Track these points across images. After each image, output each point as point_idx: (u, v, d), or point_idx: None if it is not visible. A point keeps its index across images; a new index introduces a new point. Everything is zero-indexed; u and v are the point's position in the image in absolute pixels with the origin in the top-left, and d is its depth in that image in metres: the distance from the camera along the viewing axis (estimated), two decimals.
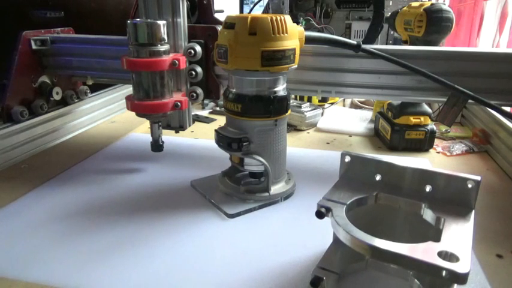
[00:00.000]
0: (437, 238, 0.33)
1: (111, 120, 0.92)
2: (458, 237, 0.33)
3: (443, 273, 0.29)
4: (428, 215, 0.37)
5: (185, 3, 0.60)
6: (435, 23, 0.67)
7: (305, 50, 0.57)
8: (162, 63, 0.56)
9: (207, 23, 0.64)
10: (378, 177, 0.41)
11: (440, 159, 0.71)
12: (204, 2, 0.66)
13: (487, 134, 0.76)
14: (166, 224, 0.49)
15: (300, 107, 0.87)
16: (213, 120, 0.92)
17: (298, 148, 0.75)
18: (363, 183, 0.41)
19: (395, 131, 0.73)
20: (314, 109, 0.88)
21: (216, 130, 0.53)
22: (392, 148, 0.75)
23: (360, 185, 0.41)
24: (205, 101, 1.01)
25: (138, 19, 0.57)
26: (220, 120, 0.92)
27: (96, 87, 0.87)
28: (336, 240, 0.40)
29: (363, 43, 0.56)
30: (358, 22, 1.25)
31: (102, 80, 0.78)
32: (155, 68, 0.56)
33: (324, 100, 1.00)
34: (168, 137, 0.72)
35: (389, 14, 0.87)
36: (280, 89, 0.51)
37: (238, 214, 0.51)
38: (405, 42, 0.78)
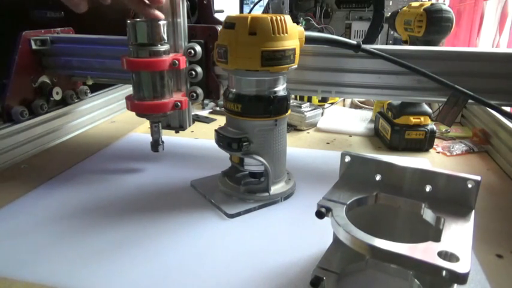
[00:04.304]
0: (437, 238, 0.33)
1: (111, 120, 0.91)
2: (458, 237, 0.33)
3: (443, 273, 0.29)
4: (428, 215, 0.37)
5: (185, 3, 0.60)
6: (435, 23, 0.67)
7: (305, 50, 0.57)
8: (162, 63, 0.56)
9: (207, 23, 0.64)
10: (378, 177, 0.41)
11: (440, 159, 0.71)
12: (204, 2, 0.66)
13: (487, 134, 0.76)
14: (166, 224, 0.49)
15: (300, 107, 0.87)
16: (213, 120, 0.92)
17: (298, 148, 0.75)
18: (363, 183, 0.41)
19: (395, 131, 0.73)
20: (314, 109, 0.88)
21: (216, 130, 0.53)
22: (392, 148, 0.75)
23: (360, 185, 0.41)
24: (205, 101, 1.01)
25: (138, 19, 0.57)
26: (220, 120, 0.92)
27: (96, 87, 0.87)
28: (336, 240, 0.40)
29: (363, 43, 0.56)
30: (358, 22, 1.25)
31: (102, 80, 0.78)
32: (155, 68, 0.56)
33: (324, 100, 1.00)
34: (168, 137, 0.72)
35: (389, 14, 0.87)
36: (280, 89, 0.51)
37: (238, 214, 0.51)
38: (405, 42, 0.78)
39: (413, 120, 0.72)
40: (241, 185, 0.54)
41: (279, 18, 0.47)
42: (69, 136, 0.80)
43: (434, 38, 0.69)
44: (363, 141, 0.81)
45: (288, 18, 0.48)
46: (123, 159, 0.69)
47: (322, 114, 0.92)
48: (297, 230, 0.49)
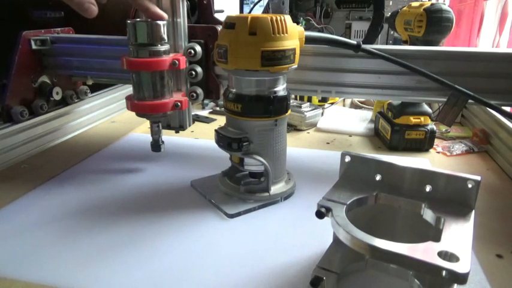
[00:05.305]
0: (437, 238, 0.33)
1: (111, 120, 0.91)
2: (458, 237, 0.33)
3: (443, 273, 0.29)
4: (428, 215, 0.37)
5: (185, 3, 0.60)
6: (435, 23, 0.67)
7: (305, 50, 0.57)
8: (162, 63, 0.56)
9: (207, 23, 0.64)
10: (378, 177, 0.41)
11: (440, 159, 0.71)
12: (204, 2, 0.66)
13: (487, 134, 0.76)
14: (166, 224, 0.50)
15: (300, 107, 0.87)
16: (213, 120, 0.92)
17: (298, 148, 0.75)
18: (363, 183, 0.41)
19: (395, 131, 0.73)
20: (314, 109, 0.88)
21: (216, 130, 0.53)
22: (392, 148, 0.75)
23: (360, 185, 0.41)
24: (205, 101, 1.01)
25: (138, 19, 0.57)
26: (220, 120, 0.92)
27: (96, 87, 0.87)
28: (336, 240, 0.40)
29: (363, 43, 0.56)
30: (358, 22, 1.25)
31: (102, 80, 0.78)
32: (155, 68, 0.56)
33: (324, 100, 1.00)
34: (168, 137, 0.72)
35: (389, 14, 0.87)
36: (280, 89, 0.51)
37: (238, 214, 0.51)
38: (405, 42, 0.78)
39: (413, 120, 0.72)
40: (241, 185, 0.54)
41: (279, 18, 0.47)
42: (69, 136, 0.80)
43: (434, 38, 0.69)
44: (363, 141, 0.81)
45: (288, 18, 0.48)
46: (123, 159, 0.69)
47: (322, 114, 0.92)
48: (297, 230, 0.49)
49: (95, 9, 0.50)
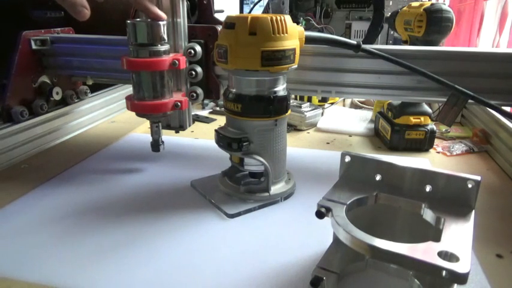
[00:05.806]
0: (437, 238, 0.33)
1: (111, 120, 0.92)
2: (458, 237, 0.33)
3: (443, 273, 0.29)
4: (428, 215, 0.38)
5: (185, 3, 0.60)
6: (435, 23, 0.67)
7: (305, 50, 0.57)
8: (162, 63, 0.56)
9: (207, 23, 0.64)
10: (378, 177, 0.41)
11: (440, 159, 0.71)
12: (204, 2, 0.66)
13: (487, 134, 0.76)
14: (166, 224, 0.49)
15: (300, 107, 0.87)
16: (213, 120, 0.93)
17: (298, 148, 0.75)
18: (363, 183, 0.41)
19: (395, 131, 0.73)
20: (314, 109, 0.88)
21: (216, 130, 0.53)
22: (392, 148, 0.75)
23: (360, 185, 0.41)
24: (205, 101, 1.01)
25: (138, 19, 0.57)
26: (220, 120, 0.92)
27: (96, 87, 0.87)
28: (336, 240, 0.40)
29: (363, 43, 0.56)
30: (358, 22, 1.26)
31: (102, 80, 0.78)
32: (155, 68, 0.56)
33: (324, 100, 1.00)
34: (168, 137, 0.72)
35: (389, 14, 0.87)
36: (280, 89, 0.51)
37: (238, 214, 0.51)
38: (405, 42, 0.78)
39: (413, 120, 0.72)
40: (241, 185, 0.54)
41: (279, 18, 0.47)
42: (69, 136, 0.80)
43: (434, 38, 0.69)
44: (363, 141, 0.81)
45: (288, 18, 0.48)
46: (123, 159, 0.69)
47: (322, 114, 0.92)
48: (297, 230, 0.49)
49: (87, 13, 0.50)
